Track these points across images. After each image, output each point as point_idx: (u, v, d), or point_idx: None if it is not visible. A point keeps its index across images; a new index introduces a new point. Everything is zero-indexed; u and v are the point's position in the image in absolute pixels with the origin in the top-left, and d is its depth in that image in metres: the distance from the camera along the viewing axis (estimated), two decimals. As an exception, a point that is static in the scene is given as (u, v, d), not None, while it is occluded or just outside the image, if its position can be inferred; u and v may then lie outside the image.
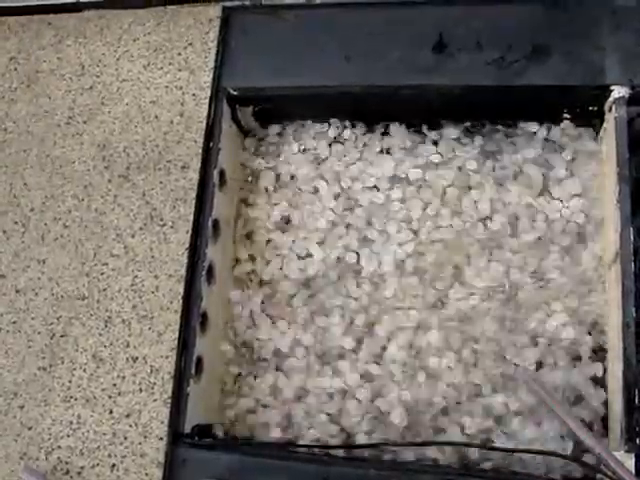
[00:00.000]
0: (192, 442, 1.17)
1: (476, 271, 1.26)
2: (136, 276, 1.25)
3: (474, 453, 1.15)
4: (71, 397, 1.21)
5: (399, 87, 1.29)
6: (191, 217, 1.26)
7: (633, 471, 1.02)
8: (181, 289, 1.23)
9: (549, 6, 1.26)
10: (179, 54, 1.38)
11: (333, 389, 1.25)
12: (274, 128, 1.41)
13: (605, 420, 1.14)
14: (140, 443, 1.17)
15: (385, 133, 1.37)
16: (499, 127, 1.32)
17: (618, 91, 1.20)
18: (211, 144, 1.31)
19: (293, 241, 1.35)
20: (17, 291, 1.30)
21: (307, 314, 1.29)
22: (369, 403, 1.23)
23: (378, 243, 1.32)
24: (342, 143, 1.38)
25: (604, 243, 1.22)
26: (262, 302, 1.32)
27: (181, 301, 1.22)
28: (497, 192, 1.29)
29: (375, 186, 1.35)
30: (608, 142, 1.22)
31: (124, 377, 1.20)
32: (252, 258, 1.36)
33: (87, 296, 1.26)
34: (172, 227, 1.27)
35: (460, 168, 1.32)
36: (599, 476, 1.05)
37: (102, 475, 1.16)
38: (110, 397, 1.20)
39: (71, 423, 1.20)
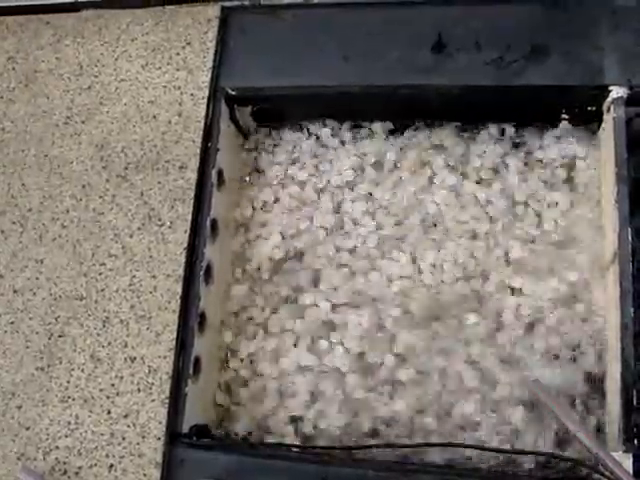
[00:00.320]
0: (190, 442, 1.17)
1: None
2: (134, 276, 1.25)
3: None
4: (69, 397, 1.21)
5: (398, 87, 1.29)
6: (189, 217, 1.27)
7: (631, 471, 1.02)
8: (179, 289, 1.23)
9: (548, 6, 1.26)
10: (177, 54, 1.38)
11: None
12: (272, 127, 1.41)
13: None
14: (138, 443, 1.17)
15: (383, 132, 1.37)
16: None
17: (617, 91, 1.20)
18: (209, 144, 1.31)
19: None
20: (15, 291, 1.29)
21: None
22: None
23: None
24: (340, 142, 1.38)
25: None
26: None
27: (179, 301, 1.22)
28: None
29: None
30: (606, 142, 1.22)
31: (122, 377, 1.20)
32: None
33: (85, 296, 1.26)
34: (170, 227, 1.27)
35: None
36: (597, 477, 1.05)
37: (100, 475, 1.16)
38: (108, 397, 1.20)
39: (69, 423, 1.20)
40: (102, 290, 1.26)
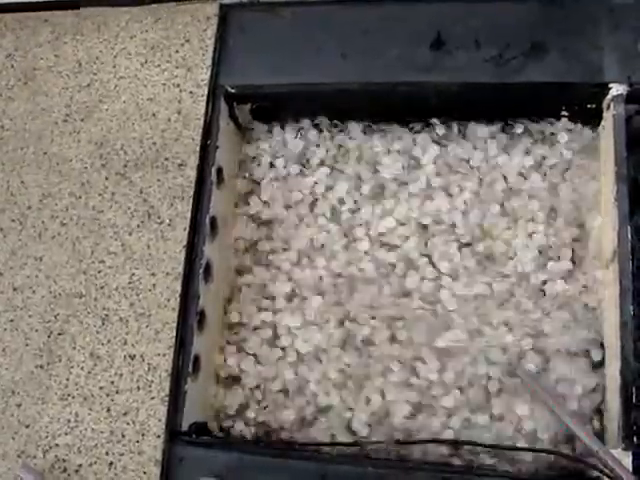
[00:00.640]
0: (189, 440, 1.17)
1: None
2: (133, 274, 1.25)
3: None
4: (68, 395, 1.21)
5: (397, 84, 1.28)
6: (189, 215, 1.26)
7: (630, 469, 1.03)
8: (179, 287, 1.23)
9: (547, 3, 1.26)
10: (176, 52, 1.37)
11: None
12: (271, 125, 1.41)
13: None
14: (138, 441, 1.17)
15: (382, 131, 1.37)
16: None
17: (616, 89, 1.19)
18: (208, 142, 1.30)
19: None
20: (14, 289, 1.29)
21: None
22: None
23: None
24: (340, 140, 1.38)
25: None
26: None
27: (178, 299, 1.22)
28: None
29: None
30: (606, 140, 1.22)
31: (121, 375, 1.20)
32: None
33: (84, 294, 1.26)
34: (170, 225, 1.27)
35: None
36: (597, 474, 1.05)
37: (100, 473, 1.16)
38: (108, 395, 1.20)
39: (69, 421, 1.20)
40: (101, 288, 1.26)
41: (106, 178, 1.33)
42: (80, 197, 1.32)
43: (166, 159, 1.31)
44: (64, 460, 1.18)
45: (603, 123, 1.24)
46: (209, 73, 1.34)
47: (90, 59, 1.41)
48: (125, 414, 1.18)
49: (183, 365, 1.19)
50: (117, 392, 1.19)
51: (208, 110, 1.32)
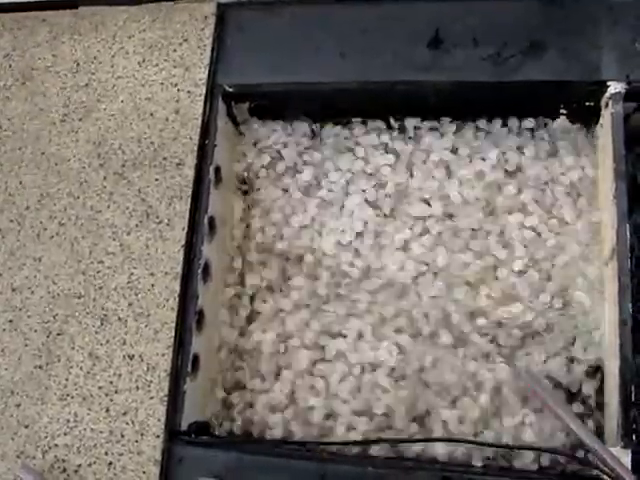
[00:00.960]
0: (189, 440, 1.17)
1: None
2: (132, 274, 1.25)
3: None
4: (68, 395, 1.21)
5: (395, 83, 1.28)
6: (187, 214, 1.26)
7: (629, 467, 1.03)
8: (177, 287, 1.23)
9: (545, 1, 1.26)
10: (174, 51, 1.37)
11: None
12: (270, 124, 1.41)
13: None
14: (137, 441, 1.17)
15: (381, 129, 1.37)
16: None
17: (614, 87, 1.19)
18: (207, 141, 1.30)
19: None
20: (13, 289, 1.29)
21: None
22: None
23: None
24: (338, 139, 1.38)
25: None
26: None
27: (177, 299, 1.22)
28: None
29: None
30: (604, 138, 1.22)
31: (120, 375, 1.20)
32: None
33: (83, 294, 1.26)
34: (168, 224, 1.27)
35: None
36: (596, 472, 1.05)
37: (99, 473, 1.16)
38: (107, 395, 1.20)
39: (68, 421, 1.20)
40: (100, 288, 1.26)
41: (104, 178, 1.32)
42: (78, 197, 1.32)
43: (164, 158, 1.31)
44: (63, 460, 1.18)
45: (601, 121, 1.24)
46: (207, 72, 1.34)
47: (88, 59, 1.41)
48: (124, 414, 1.18)
49: (182, 365, 1.19)
50: (116, 392, 1.19)
51: (206, 109, 1.32)
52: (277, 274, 1.33)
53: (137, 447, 1.16)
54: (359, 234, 1.32)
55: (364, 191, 1.35)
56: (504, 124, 1.32)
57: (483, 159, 1.31)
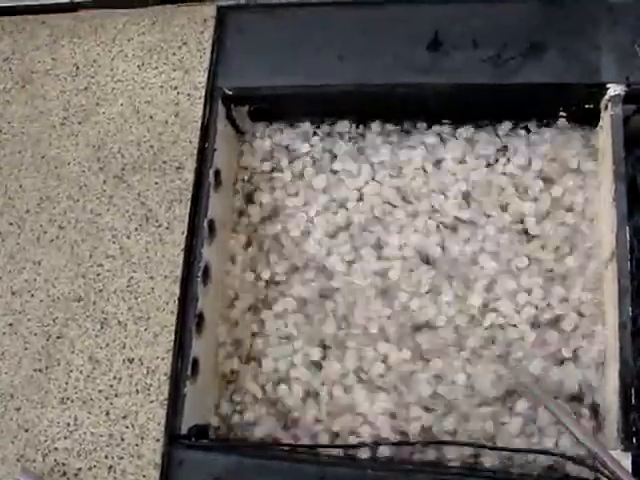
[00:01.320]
0: (189, 443, 1.17)
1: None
2: (132, 277, 1.25)
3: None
4: (67, 399, 1.21)
5: (395, 85, 1.28)
6: (187, 218, 1.26)
7: (630, 470, 1.02)
8: (177, 290, 1.23)
9: (545, 3, 1.26)
10: (174, 54, 1.37)
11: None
12: (269, 127, 1.41)
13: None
14: (137, 444, 1.17)
15: (381, 131, 1.37)
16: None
17: (614, 89, 1.19)
18: (206, 144, 1.30)
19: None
20: (13, 293, 1.29)
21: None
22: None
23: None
24: (338, 141, 1.38)
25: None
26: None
27: (177, 302, 1.22)
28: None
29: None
30: (604, 140, 1.21)
31: (120, 378, 1.20)
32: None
33: (83, 297, 1.26)
34: (168, 228, 1.27)
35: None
36: (596, 475, 1.05)
37: (99, 477, 1.16)
38: (107, 399, 1.20)
39: (68, 425, 1.20)
40: (100, 291, 1.26)
41: (104, 181, 1.32)
42: (78, 200, 1.32)
43: (164, 162, 1.31)
44: (63, 464, 1.18)
45: (601, 123, 1.24)
46: (206, 75, 1.34)
47: (87, 62, 1.41)
48: (124, 417, 1.18)
49: (182, 368, 1.19)
50: (116, 395, 1.19)
51: (206, 112, 1.32)
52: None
53: (137, 451, 1.16)
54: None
55: (366, 193, 1.35)
56: (503, 126, 1.32)
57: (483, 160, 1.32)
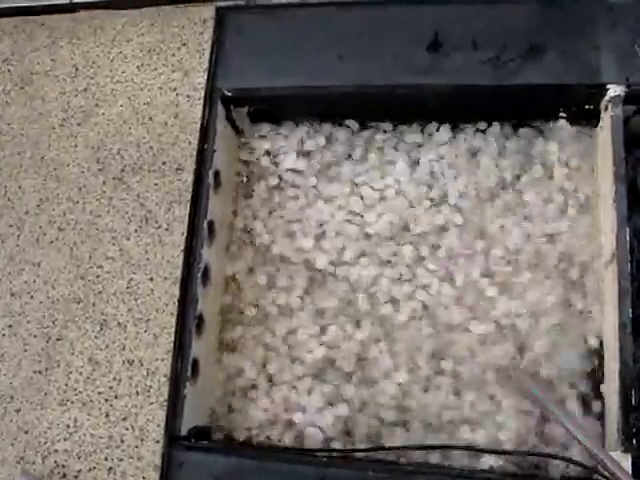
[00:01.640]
0: (189, 445, 1.17)
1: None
2: (131, 279, 1.25)
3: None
4: (67, 400, 1.21)
5: (395, 86, 1.28)
6: (186, 219, 1.26)
7: (630, 471, 1.02)
8: (177, 291, 1.22)
9: (545, 4, 1.26)
10: (173, 55, 1.37)
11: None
12: (269, 128, 1.40)
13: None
14: (137, 446, 1.16)
15: (381, 132, 1.37)
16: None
17: (614, 90, 1.19)
18: (206, 145, 1.30)
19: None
20: (12, 294, 1.29)
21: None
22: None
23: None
24: (337, 143, 1.38)
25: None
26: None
27: (177, 303, 1.22)
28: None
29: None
30: (604, 141, 1.21)
31: (120, 380, 1.20)
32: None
33: (82, 299, 1.26)
34: (167, 229, 1.26)
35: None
36: (597, 477, 1.05)
37: (99, 478, 1.16)
38: (106, 400, 1.20)
39: (68, 426, 1.20)
40: (99, 293, 1.25)
41: (103, 183, 1.32)
42: (77, 202, 1.32)
43: (163, 163, 1.31)
44: (63, 466, 1.18)
45: (601, 124, 1.24)
46: (206, 76, 1.33)
47: (87, 63, 1.41)
48: (124, 419, 1.18)
49: (182, 369, 1.19)
50: (116, 397, 1.19)
51: (205, 114, 1.32)
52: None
53: (137, 452, 1.16)
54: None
55: (366, 195, 1.35)
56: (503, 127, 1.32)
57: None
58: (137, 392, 1.19)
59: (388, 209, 1.32)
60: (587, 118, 1.26)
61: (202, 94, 1.33)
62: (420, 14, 1.29)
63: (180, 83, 1.35)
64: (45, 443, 1.20)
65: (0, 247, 1.33)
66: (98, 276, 1.27)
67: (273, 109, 1.37)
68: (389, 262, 1.30)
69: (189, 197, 1.27)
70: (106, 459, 1.17)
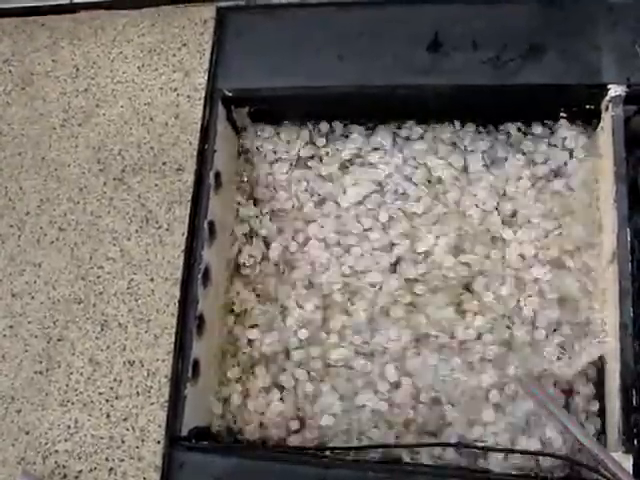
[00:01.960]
0: (189, 445, 1.17)
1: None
2: (132, 279, 1.25)
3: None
4: (68, 401, 1.21)
5: (395, 87, 1.28)
6: (187, 219, 1.26)
7: (631, 472, 1.02)
8: (177, 292, 1.23)
9: (545, 4, 1.26)
10: (173, 55, 1.37)
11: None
12: (269, 129, 1.40)
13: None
14: (137, 447, 1.17)
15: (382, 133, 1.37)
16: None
17: (615, 90, 1.19)
18: (206, 146, 1.30)
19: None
20: (13, 295, 1.29)
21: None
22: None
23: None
24: (338, 143, 1.38)
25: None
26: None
27: (177, 304, 1.22)
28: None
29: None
30: (605, 141, 1.21)
31: (121, 381, 1.20)
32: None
33: (83, 300, 1.26)
34: (168, 230, 1.26)
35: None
36: (598, 477, 1.05)
37: (99, 479, 1.16)
38: (107, 401, 1.20)
39: (68, 427, 1.20)
40: (100, 293, 1.26)
41: (104, 183, 1.32)
42: (78, 202, 1.32)
43: (164, 164, 1.31)
44: (64, 466, 1.18)
45: (602, 124, 1.24)
46: (206, 77, 1.34)
47: (87, 64, 1.41)
48: (125, 420, 1.18)
49: (182, 370, 1.19)
50: (117, 398, 1.19)
51: (206, 114, 1.32)
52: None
53: (138, 453, 1.16)
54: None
55: (366, 195, 1.35)
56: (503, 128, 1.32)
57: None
58: (138, 393, 1.19)
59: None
60: (588, 118, 1.26)
61: (203, 94, 1.33)
62: (420, 14, 1.29)
63: (181, 83, 1.35)
64: (46, 444, 1.20)
65: (1, 247, 1.33)
66: (99, 277, 1.27)
67: (273, 109, 1.37)
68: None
69: (190, 197, 1.27)
70: (107, 460, 1.17)
